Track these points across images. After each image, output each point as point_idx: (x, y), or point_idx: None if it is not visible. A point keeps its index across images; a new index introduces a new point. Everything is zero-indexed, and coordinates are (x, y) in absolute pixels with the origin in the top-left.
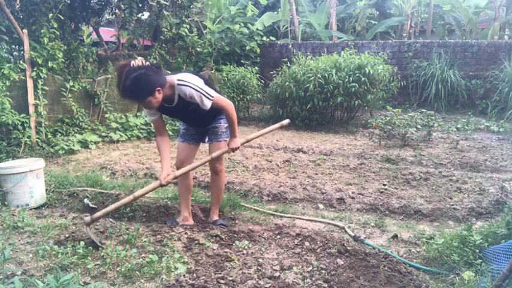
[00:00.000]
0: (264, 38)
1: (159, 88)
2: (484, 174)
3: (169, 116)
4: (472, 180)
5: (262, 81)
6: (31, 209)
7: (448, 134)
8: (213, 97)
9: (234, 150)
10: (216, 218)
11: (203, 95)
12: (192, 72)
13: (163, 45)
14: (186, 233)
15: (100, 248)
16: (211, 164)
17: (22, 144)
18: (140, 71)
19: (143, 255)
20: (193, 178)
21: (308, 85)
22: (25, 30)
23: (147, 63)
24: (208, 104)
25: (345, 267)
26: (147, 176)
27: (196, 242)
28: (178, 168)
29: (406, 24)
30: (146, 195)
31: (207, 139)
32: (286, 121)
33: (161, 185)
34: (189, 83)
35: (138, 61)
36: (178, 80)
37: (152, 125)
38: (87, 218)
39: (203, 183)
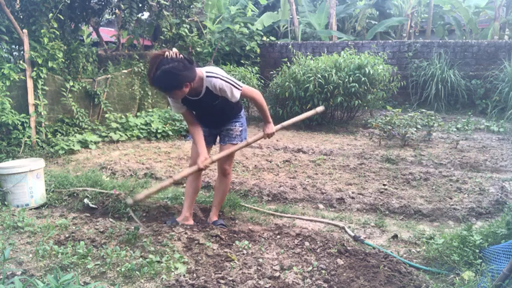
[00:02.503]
0: (264, 38)
1: (187, 83)
2: (484, 174)
3: (194, 109)
4: (472, 180)
5: (262, 81)
6: (31, 209)
7: (448, 134)
8: (241, 87)
9: (269, 135)
10: (215, 218)
11: (232, 85)
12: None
13: (163, 45)
14: (186, 233)
15: (140, 227)
16: (221, 165)
17: (22, 144)
18: (172, 64)
19: (143, 255)
20: None
21: (308, 85)
22: (25, 30)
23: (181, 56)
24: (237, 94)
25: (345, 267)
26: (147, 176)
27: (196, 242)
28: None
29: (406, 24)
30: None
31: (218, 140)
32: (320, 108)
33: (199, 169)
34: (218, 74)
35: (173, 53)
36: (207, 72)
37: (182, 117)
38: (129, 200)
39: (203, 183)
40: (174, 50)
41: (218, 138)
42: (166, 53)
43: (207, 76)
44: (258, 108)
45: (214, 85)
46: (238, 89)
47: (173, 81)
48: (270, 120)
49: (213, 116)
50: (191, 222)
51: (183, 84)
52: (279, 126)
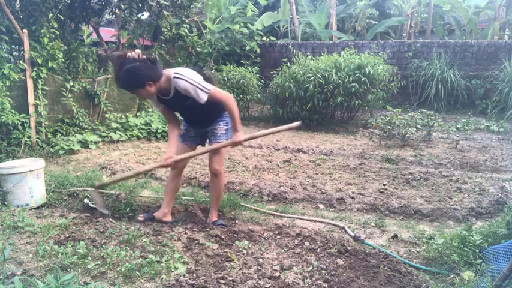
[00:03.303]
0: (264, 38)
1: (150, 82)
2: (484, 174)
3: (170, 109)
4: (472, 180)
5: (262, 81)
6: (31, 209)
7: (448, 134)
8: (209, 90)
9: (236, 144)
10: (215, 218)
11: (198, 88)
12: (193, 69)
13: (163, 45)
14: (186, 233)
15: (106, 215)
16: (210, 166)
17: (22, 144)
18: (134, 64)
19: (143, 255)
20: (193, 178)
21: (308, 85)
22: (25, 30)
23: (144, 56)
24: (204, 96)
25: (345, 267)
26: (147, 176)
27: (196, 242)
28: (174, 167)
29: (406, 24)
30: (146, 196)
31: (207, 143)
32: (296, 123)
33: (162, 166)
34: (184, 76)
35: (135, 53)
36: (175, 73)
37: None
38: (98, 183)
39: (203, 183)
40: (137, 50)
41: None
42: (128, 53)
43: (174, 77)
44: (228, 113)
45: (180, 86)
46: (205, 91)
47: (135, 81)
48: (239, 128)
49: (195, 115)
50: (169, 218)
51: (145, 83)
52: (248, 136)
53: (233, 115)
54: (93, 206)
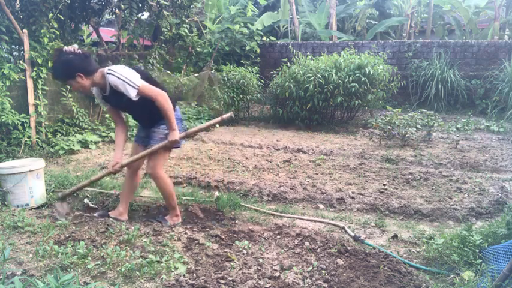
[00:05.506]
0: (264, 38)
1: (80, 74)
2: (484, 174)
3: (114, 107)
4: (472, 180)
5: (262, 81)
6: (31, 209)
7: (448, 134)
8: (138, 86)
9: (172, 143)
10: (167, 216)
11: (127, 83)
12: (135, 68)
13: (163, 45)
14: (186, 233)
15: (60, 221)
16: (147, 170)
17: (22, 144)
18: (67, 57)
19: (143, 255)
20: (193, 178)
21: (308, 85)
22: (25, 30)
23: (79, 50)
24: (132, 92)
25: (345, 267)
26: (147, 176)
27: (196, 242)
28: (129, 166)
29: (406, 24)
30: (146, 195)
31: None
32: (227, 115)
33: (110, 172)
34: (115, 72)
35: (70, 48)
36: (108, 69)
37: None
38: (60, 194)
39: (203, 183)
40: (74, 45)
41: None
42: (65, 48)
43: (107, 73)
44: (162, 111)
45: (110, 82)
46: (134, 87)
47: (66, 71)
48: (175, 127)
49: (139, 114)
50: (125, 217)
51: (76, 75)
52: (183, 133)
53: (165, 112)
54: (93, 206)
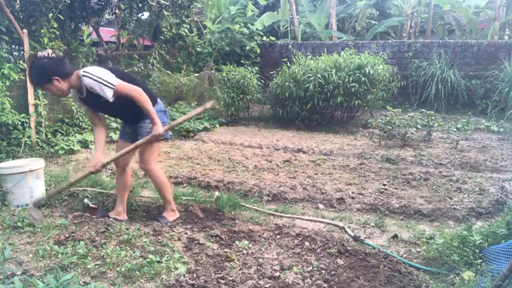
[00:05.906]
0: (264, 38)
1: (57, 78)
2: (484, 174)
3: (93, 109)
4: (472, 180)
5: (262, 81)
6: None
7: (448, 134)
8: (114, 85)
9: (157, 137)
10: (163, 214)
11: (102, 84)
12: (111, 68)
13: (163, 45)
14: (186, 233)
15: (36, 226)
16: (140, 164)
17: (22, 144)
18: (41, 61)
19: (143, 255)
20: (193, 178)
21: (308, 85)
22: (25, 30)
23: (53, 55)
24: (109, 92)
25: (345, 267)
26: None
27: (196, 242)
28: (116, 164)
29: (406, 24)
30: (146, 195)
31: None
32: (209, 103)
33: (91, 172)
34: (90, 74)
35: (45, 52)
36: (83, 71)
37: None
38: (34, 200)
39: (203, 183)
40: (48, 50)
41: None
42: (39, 53)
43: (82, 75)
44: (142, 107)
45: (86, 84)
46: (110, 87)
47: (42, 76)
48: (157, 121)
49: (120, 112)
50: (124, 217)
51: (52, 79)
52: (166, 126)
53: (145, 108)
54: (93, 206)
